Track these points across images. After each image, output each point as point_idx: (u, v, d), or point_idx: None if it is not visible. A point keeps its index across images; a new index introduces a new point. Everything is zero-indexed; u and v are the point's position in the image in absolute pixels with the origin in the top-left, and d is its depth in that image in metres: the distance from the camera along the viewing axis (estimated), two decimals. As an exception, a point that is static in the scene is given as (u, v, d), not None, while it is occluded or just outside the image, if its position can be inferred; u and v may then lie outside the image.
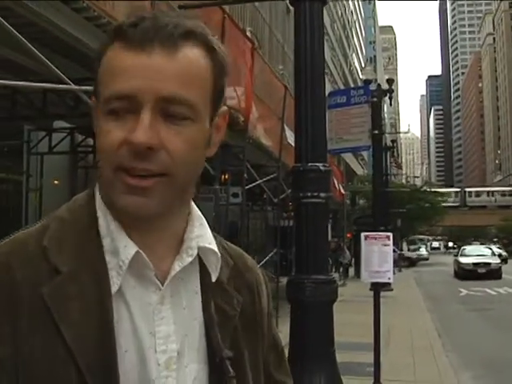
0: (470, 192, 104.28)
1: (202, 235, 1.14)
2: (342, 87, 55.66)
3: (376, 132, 21.77)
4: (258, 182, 16.67)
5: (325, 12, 5.70)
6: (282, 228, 19.75)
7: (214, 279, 1.13)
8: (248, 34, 19.69)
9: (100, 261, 1.05)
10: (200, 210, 1.20)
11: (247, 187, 15.40)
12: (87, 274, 1.04)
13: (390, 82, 27.68)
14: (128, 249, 1.05)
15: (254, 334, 1.21)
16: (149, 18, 1.05)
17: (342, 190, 37.31)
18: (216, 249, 1.14)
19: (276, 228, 19.99)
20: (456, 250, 56.58)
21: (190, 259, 1.10)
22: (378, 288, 7.85)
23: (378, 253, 7.29)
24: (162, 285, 1.08)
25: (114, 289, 1.04)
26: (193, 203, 1.18)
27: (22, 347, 0.99)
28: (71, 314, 1.01)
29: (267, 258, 15.41)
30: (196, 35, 1.07)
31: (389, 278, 7.62)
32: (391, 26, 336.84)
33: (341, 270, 30.64)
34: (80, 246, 1.06)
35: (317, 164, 5.25)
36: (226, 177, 17.36)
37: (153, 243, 1.09)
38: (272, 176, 17.97)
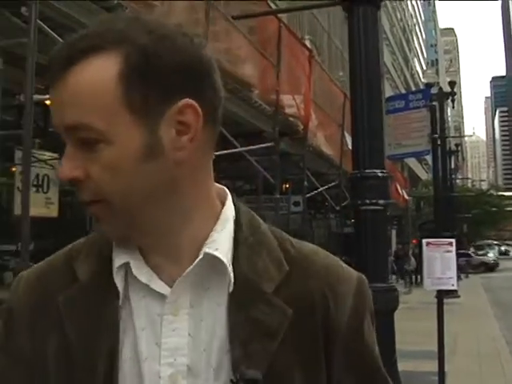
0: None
1: (214, 240, 1.06)
2: (403, 92, 55.09)
3: (436, 136, 21.46)
4: (319, 190, 16.64)
5: (384, 16, 5.67)
6: (346, 235, 19.67)
7: (230, 289, 1.05)
8: (307, 42, 19.72)
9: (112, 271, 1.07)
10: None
11: (308, 195, 15.39)
12: (101, 282, 1.06)
13: (452, 84, 27.40)
14: (120, 258, 1.06)
15: (312, 352, 1.07)
16: (60, 44, 1.04)
17: (406, 196, 36.94)
18: (222, 255, 1.05)
19: (339, 235, 19.92)
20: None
21: (191, 267, 1.04)
22: (441, 295, 7.70)
23: (440, 259, 7.16)
24: (180, 294, 1.05)
25: (121, 298, 1.05)
26: (230, 206, 1.12)
27: (38, 349, 1.06)
28: (79, 321, 1.04)
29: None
30: (100, 45, 0.99)
31: (452, 285, 7.47)
32: (452, 28, 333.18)
33: (406, 277, 30.25)
34: (102, 257, 1.08)
35: (375, 170, 5.15)
36: (287, 186, 17.38)
37: (170, 251, 1.07)
38: (333, 183, 17.93)
